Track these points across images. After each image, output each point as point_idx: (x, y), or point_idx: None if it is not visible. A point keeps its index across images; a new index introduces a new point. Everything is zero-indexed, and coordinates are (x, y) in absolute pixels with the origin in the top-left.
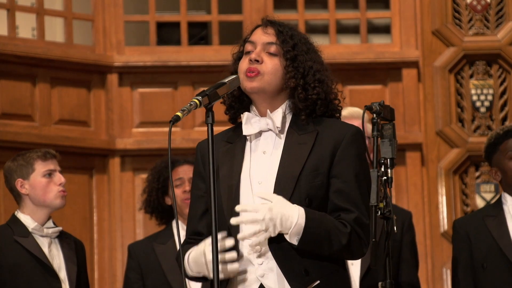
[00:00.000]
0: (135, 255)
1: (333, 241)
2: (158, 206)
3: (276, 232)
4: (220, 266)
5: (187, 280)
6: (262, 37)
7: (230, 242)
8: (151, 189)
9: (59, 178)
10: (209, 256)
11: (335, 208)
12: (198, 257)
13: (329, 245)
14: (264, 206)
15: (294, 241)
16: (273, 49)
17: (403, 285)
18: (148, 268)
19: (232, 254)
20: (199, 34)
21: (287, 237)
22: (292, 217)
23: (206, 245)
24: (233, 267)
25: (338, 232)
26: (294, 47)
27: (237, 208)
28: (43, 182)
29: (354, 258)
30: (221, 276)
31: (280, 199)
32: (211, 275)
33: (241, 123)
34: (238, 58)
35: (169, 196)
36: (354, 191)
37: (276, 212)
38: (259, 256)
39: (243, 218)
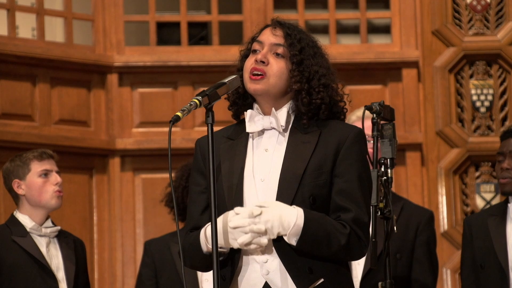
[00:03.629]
0: (151, 252)
1: (332, 242)
2: (180, 204)
3: (275, 233)
4: (249, 235)
5: (198, 279)
6: (270, 37)
7: (257, 211)
8: (177, 185)
9: (55, 178)
10: (233, 223)
11: (336, 208)
12: (222, 227)
13: (328, 246)
14: (260, 209)
15: (293, 242)
16: (280, 50)
17: (414, 284)
18: (162, 266)
19: (260, 226)
20: (199, 34)
21: (285, 238)
22: (290, 218)
23: (229, 215)
24: (263, 241)
25: (338, 233)
26: (301, 50)
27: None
28: (39, 182)
29: (353, 258)
30: (251, 246)
31: (277, 203)
32: (234, 244)
33: (241, 120)
34: (245, 55)
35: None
36: (356, 190)
37: (273, 214)
38: (264, 254)
39: (239, 221)
